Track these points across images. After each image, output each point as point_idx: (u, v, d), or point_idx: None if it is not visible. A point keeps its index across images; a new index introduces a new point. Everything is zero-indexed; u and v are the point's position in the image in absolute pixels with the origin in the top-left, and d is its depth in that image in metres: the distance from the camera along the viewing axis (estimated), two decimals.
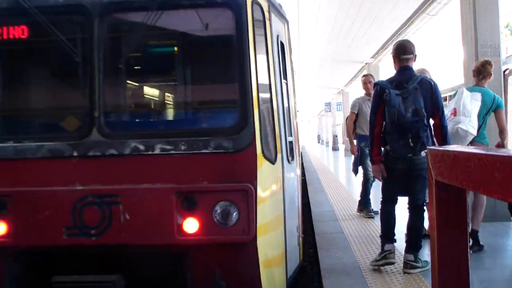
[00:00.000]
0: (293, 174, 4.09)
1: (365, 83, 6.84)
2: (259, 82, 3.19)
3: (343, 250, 4.82)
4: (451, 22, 10.79)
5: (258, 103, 3.13)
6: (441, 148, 1.32)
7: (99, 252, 3.08)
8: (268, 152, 3.24)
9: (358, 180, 11.67)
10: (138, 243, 3.03)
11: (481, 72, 4.55)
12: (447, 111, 4.35)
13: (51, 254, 3.17)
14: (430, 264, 3.85)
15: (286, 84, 4.02)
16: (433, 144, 3.97)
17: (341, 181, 11.46)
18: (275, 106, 3.40)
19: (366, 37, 11.57)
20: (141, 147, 3.09)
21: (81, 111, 3.29)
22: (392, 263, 4.07)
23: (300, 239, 4.33)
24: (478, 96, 4.34)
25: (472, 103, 4.26)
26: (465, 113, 4.19)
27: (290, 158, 3.83)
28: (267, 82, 3.36)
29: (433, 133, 4.00)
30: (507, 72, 9.49)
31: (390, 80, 4.11)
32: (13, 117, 3.70)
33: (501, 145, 4.48)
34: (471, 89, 4.46)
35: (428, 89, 3.92)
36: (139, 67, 3.73)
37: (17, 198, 3.09)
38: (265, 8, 3.45)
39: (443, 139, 3.99)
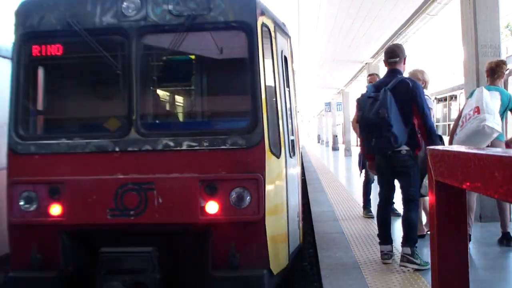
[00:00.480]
0: (294, 167, 4.78)
1: (370, 83, 6.82)
2: (267, 92, 3.89)
3: (343, 250, 4.82)
4: (452, 22, 10.79)
5: (266, 109, 3.83)
6: (441, 148, 1.31)
7: (136, 229, 3.81)
8: (274, 148, 3.93)
9: (358, 180, 11.69)
10: (169, 222, 3.71)
11: (495, 72, 4.61)
12: (468, 110, 4.41)
13: (97, 230, 3.88)
14: (428, 264, 3.93)
15: (289, 91, 4.71)
16: (414, 142, 4.14)
17: (341, 181, 11.47)
18: (279, 111, 4.13)
19: (366, 37, 11.57)
20: (171, 143, 3.81)
21: (121, 114, 3.99)
22: (389, 263, 4.19)
23: (300, 224, 4.96)
24: (497, 95, 4.42)
25: (493, 101, 4.30)
26: (489, 111, 4.23)
27: (291, 154, 4.53)
28: (273, 91, 4.08)
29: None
30: (507, 72, 9.49)
31: (375, 84, 4.47)
32: (66, 119, 4.52)
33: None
34: (488, 88, 4.48)
35: (405, 90, 4.07)
36: (168, 79, 4.38)
37: (69, 185, 3.80)
38: (272, 29, 4.19)
39: (428, 137, 4.09)
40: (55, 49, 4.12)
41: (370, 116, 4.05)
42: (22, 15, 4.08)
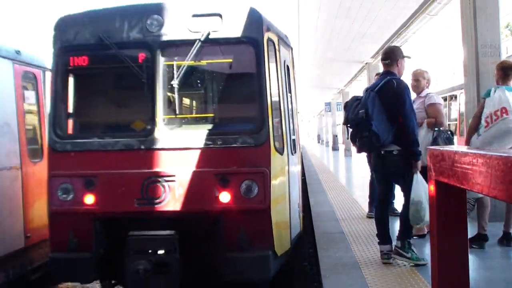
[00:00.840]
0: (295, 163, 5.39)
1: None
2: (271, 98, 4.46)
3: (343, 250, 4.82)
4: (452, 22, 10.78)
5: (271, 112, 4.42)
6: (441, 148, 1.31)
7: (159, 216, 4.35)
8: (278, 146, 4.53)
9: (358, 180, 11.69)
10: (187, 209, 4.27)
11: (508, 72, 4.58)
12: (491, 110, 4.39)
13: (125, 217, 4.43)
14: (422, 260, 3.97)
15: (290, 96, 5.33)
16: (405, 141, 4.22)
17: (341, 181, 11.46)
18: (282, 114, 4.72)
19: (366, 37, 11.57)
20: (190, 142, 4.38)
21: (146, 117, 4.55)
22: (389, 263, 4.23)
23: (300, 213, 5.56)
24: None
25: None
26: None
27: (293, 151, 5.14)
28: (277, 97, 4.67)
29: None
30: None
31: (367, 87, 4.76)
32: (97, 121, 5.06)
33: None
34: (508, 89, 4.46)
35: (391, 90, 4.17)
36: (186, 86, 4.91)
37: (102, 178, 4.36)
38: (276, 42, 4.80)
39: (407, 137, 4.14)
40: (88, 60, 4.75)
41: (351, 116, 4.33)
42: (59, 30, 4.67)
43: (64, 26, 4.68)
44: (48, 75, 6.52)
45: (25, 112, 6.04)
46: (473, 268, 3.95)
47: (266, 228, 4.29)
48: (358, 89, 22.63)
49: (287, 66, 5.35)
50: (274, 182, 4.39)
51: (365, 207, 7.26)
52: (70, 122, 4.87)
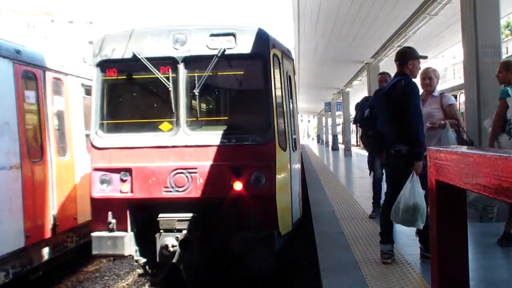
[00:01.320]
0: (296, 158, 6.26)
1: (380, 82, 6.52)
2: (276, 103, 5.32)
3: (343, 250, 4.82)
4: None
5: (276, 116, 5.28)
6: (441, 148, 1.31)
7: (183, 201, 5.13)
8: (282, 144, 5.36)
9: (358, 180, 11.69)
10: (207, 196, 5.09)
11: None
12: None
13: (155, 203, 5.21)
14: None
15: (291, 101, 6.25)
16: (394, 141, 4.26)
17: (341, 181, 11.46)
18: (285, 117, 5.61)
19: (366, 37, 11.56)
20: (209, 140, 5.24)
21: (172, 119, 5.39)
22: (388, 263, 4.24)
23: (300, 201, 6.43)
24: None
25: None
26: None
27: (294, 148, 6.01)
28: (281, 103, 5.53)
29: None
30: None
31: (380, 87, 5.02)
32: (131, 123, 5.74)
33: None
34: None
35: (398, 90, 4.19)
36: (206, 94, 5.79)
37: (136, 170, 5.20)
38: (280, 56, 5.68)
39: (410, 136, 4.10)
40: (123, 72, 5.65)
41: (359, 116, 4.60)
42: (99, 46, 5.56)
43: (103, 43, 5.60)
44: (48, 75, 6.53)
45: (25, 111, 6.04)
46: (474, 268, 3.95)
47: (272, 212, 5.16)
48: (358, 89, 22.61)
49: (289, 76, 6.29)
50: (278, 174, 5.24)
51: (365, 207, 7.26)
52: (108, 123, 5.69)
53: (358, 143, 36.36)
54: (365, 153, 24.89)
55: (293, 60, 6.93)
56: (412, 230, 5.34)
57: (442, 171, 1.27)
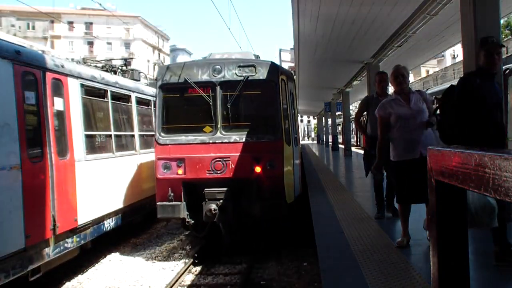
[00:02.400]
0: (297, 151, 9.03)
1: (380, 82, 6.37)
2: (283, 113, 7.84)
3: (343, 250, 4.82)
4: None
5: (283, 122, 7.78)
6: (441, 148, 1.31)
7: (220, 180, 7.50)
8: (287, 141, 7.83)
9: (358, 180, 11.68)
10: (236, 176, 7.51)
11: None
12: None
13: (201, 181, 7.59)
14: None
15: (293, 111, 8.99)
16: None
17: (341, 181, 11.46)
18: (289, 122, 8.09)
19: (366, 37, 11.56)
20: (237, 138, 7.69)
21: (211, 124, 7.93)
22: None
23: (300, 182, 9.09)
24: None
25: None
26: None
27: (295, 144, 8.70)
28: (286, 113, 8.05)
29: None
30: (507, 72, 9.46)
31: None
32: (184, 126, 8.08)
33: None
34: None
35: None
36: (235, 106, 8.06)
37: (187, 159, 7.60)
38: (285, 80, 8.25)
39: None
40: (178, 92, 8.19)
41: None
42: (159, 74, 8.24)
43: (162, 71, 8.23)
44: (48, 76, 6.53)
45: (25, 112, 6.04)
46: (474, 268, 3.94)
47: (280, 187, 7.69)
48: (358, 89, 22.59)
49: (292, 93, 8.96)
50: (285, 161, 7.79)
51: (365, 207, 7.25)
52: (167, 127, 8.11)
53: (358, 143, 36.37)
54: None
55: (294, 81, 9.76)
56: (413, 229, 5.34)
57: (442, 171, 1.26)
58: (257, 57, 9.84)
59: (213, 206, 7.46)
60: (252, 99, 8.37)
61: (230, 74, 7.99)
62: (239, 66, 8.00)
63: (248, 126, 8.08)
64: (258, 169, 7.65)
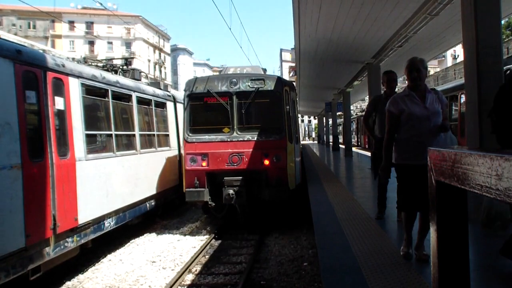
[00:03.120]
0: (298, 148, 10.94)
1: (389, 81, 6.07)
2: (286, 117, 9.81)
3: (343, 250, 4.82)
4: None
5: (286, 124, 9.75)
6: (441, 149, 1.31)
7: (236, 171, 9.45)
8: (289, 139, 9.71)
9: (358, 180, 11.68)
10: (249, 168, 9.43)
11: None
12: None
13: (221, 171, 9.55)
14: None
15: (295, 115, 11.12)
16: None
17: (342, 181, 11.46)
18: (291, 124, 10.00)
19: (367, 38, 11.56)
20: (250, 137, 9.64)
21: (229, 126, 9.89)
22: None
23: (300, 173, 10.90)
24: None
25: None
26: None
27: (296, 142, 10.59)
28: (289, 116, 9.94)
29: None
30: (508, 72, 9.44)
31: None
32: (207, 128, 9.86)
33: None
34: None
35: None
36: (247, 111, 9.85)
37: (210, 154, 9.55)
38: (288, 90, 10.32)
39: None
40: (201, 100, 9.98)
41: None
42: (187, 85, 10.17)
43: (189, 84, 10.23)
44: (49, 75, 6.54)
45: (26, 111, 6.04)
46: (474, 268, 3.94)
47: (284, 177, 9.54)
48: (358, 89, 22.57)
49: (293, 101, 11.02)
50: (288, 156, 9.64)
51: (366, 207, 7.25)
52: (194, 128, 10.08)
53: (359, 143, 36.37)
54: (365, 153, 24.70)
55: (295, 90, 12.19)
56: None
57: (442, 171, 1.26)
58: (264, 70, 12.14)
59: (231, 191, 9.37)
60: (261, 106, 10.24)
61: (244, 86, 9.95)
62: (251, 80, 10.00)
63: (258, 127, 9.97)
64: (266, 162, 9.60)
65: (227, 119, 9.91)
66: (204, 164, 9.65)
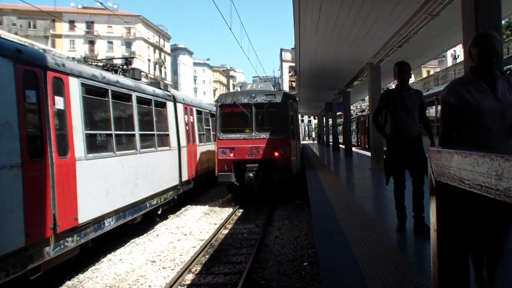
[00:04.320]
0: (299, 144, 16.31)
1: (400, 74, 5.50)
2: (290, 122, 13.99)
3: (343, 250, 4.82)
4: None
5: (290, 126, 13.90)
6: (441, 149, 1.31)
7: (255, 160, 13.54)
8: (293, 137, 13.86)
9: (358, 180, 11.68)
10: (264, 158, 13.48)
11: None
12: None
13: (244, 161, 13.63)
14: None
15: (296, 119, 16.31)
16: None
17: (342, 181, 11.46)
18: (294, 126, 14.40)
19: (367, 37, 11.56)
20: (264, 136, 13.69)
21: (249, 128, 13.94)
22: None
23: (300, 162, 15.44)
24: None
25: None
26: None
27: (298, 140, 15.79)
28: (292, 120, 14.22)
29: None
30: (508, 73, 9.43)
31: None
32: (233, 128, 13.95)
33: None
34: None
35: None
36: (263, 118, 14.04)
37: (236, 148, 13.59)
38: (292, 101, 14.48)
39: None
40: (229, 109, 13.97)
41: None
42: (219, 98, 14.52)
43: (220, 98, 14.34)
44: (49, 74, 6.54)
45: (26, 111, 6.04)
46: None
47: (289, 165, 13.30)
48: (359, 89, 22.54)
49: (295, 109, 15.20)
50: (292, 150, 13.41)
51: (365, 207, 7.25)
52: (224, 129, 13.72)
53: (359, 143, 36.36)
54: (365, 153, 24.68)
55: (297, 101, 17.26)
56: (413, 229, 5.34)
57: (442, 171, 1.26)
58: (274, 86, 17.31)
59: (251, 174, 13.28)
60: (272, 114, 14.04)
61: (260, 99, 13.95)
62: (265, 94, 14.14)
63: (270, 129, 13.86)
64: (276, 154, 13.48)
65: (248, 123, 13.89)
66: (231, 155, 13.57)
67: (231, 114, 14.02)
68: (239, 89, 56.32)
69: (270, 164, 13.39)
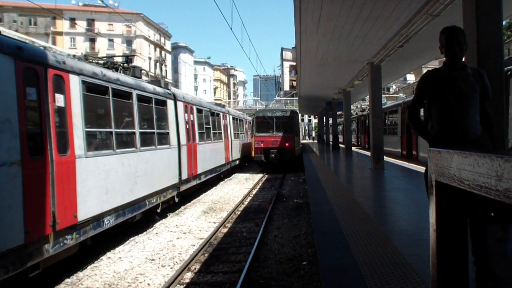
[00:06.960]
0: (299, 139, 30.21)
1: (452, 45, 3.68)
2: (296, 126, 27.11)
3: (343, 250, 4.82)
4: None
5: (295, 130, 26.12)
6: (441, 149, 1.31)
7: (278, 148, 25.17)
8: (296, 135, 26.16)
9: (358, 180, 11.68)
10: (280, 147, 25.09)
11: None
12: None
13: (270, 149, 26.05)
14: None
15: (298, 124, 31.91)
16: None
17: (342, 181, 11.46)
18: (297, 129, 28.80)
19: (368, 37, 11.55)
20: (280, 134, 25.36)
21: (272, 130, 25.91)
22: None
23: (300, 150, 28.09)
24: None
25: None
26: None
27: (299, 137, 30.14)
28: (297, 125, 28.62)
29: None
30: (509, 73, 9.43)
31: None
32: (261, 130, 25.61)
33: None
34: None
35: None
36: (279, 125, 25.65)
37: (265, 141, 25.20)
38: (296, 114, 27.91)
39: None
40: (261, 119, 25.71)
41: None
42: (256, 113, 28.08)
43: (258, 112, 28.03)
44: (50, 72, 6.54)
45: (26, 108, 6.04)
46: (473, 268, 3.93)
47: (294, 152, 24.79)
48: (359, 89, 22.53)
49: (297, 119, 29.58)
50: (295, 142, 25.15)
51: (365, 207, 7.25)
52: (256, 129, 25.42)
53: (359, 143, 36.36)
54: (365, 153, 24.75)
55: (299, 113, 38.87)
56: (412, 229, 5.35)
57: (442, 172, 1.26)
58: (285, 105, 51.56)
59: (273, 155, 24.04)
60: (284, 122, 24.86)
61: (277, 114, 25.49)
62: (280, 111, 26.29)
63: (283, 130, 24.64)
64: (287, 144, 24.19)
65: (271, 127, 24.74)
66: (262, 145, 24.31)
67: (261, 122, 24.96)
68: (254, 98, 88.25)
69: (283, 150, 24.20)
